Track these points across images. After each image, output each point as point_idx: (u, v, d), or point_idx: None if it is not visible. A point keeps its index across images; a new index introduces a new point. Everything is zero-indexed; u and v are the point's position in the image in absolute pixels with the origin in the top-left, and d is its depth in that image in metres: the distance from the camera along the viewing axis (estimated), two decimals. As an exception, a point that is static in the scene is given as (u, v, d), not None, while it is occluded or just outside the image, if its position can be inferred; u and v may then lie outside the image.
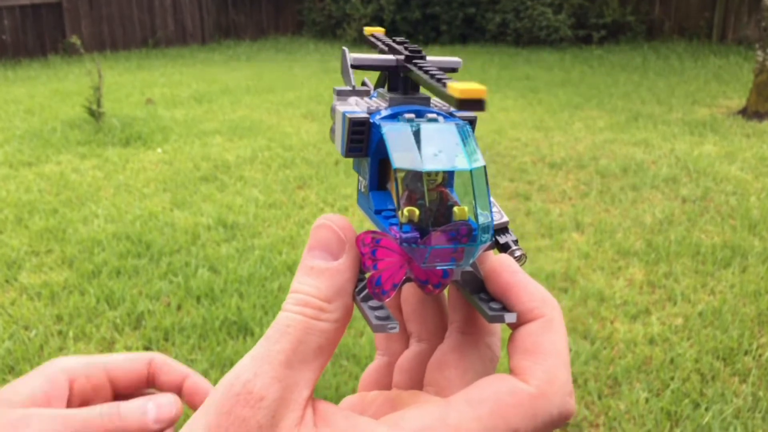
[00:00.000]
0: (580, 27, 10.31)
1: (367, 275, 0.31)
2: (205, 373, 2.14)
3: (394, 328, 0.30)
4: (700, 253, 2.96)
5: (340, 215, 0.32)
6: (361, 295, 0.32)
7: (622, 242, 3.08)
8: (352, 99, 0.39)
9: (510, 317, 0.31)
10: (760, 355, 2.23)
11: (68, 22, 10.17)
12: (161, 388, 0.51)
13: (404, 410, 0.30)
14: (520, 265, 0.33)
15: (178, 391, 0.50)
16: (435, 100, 0.37)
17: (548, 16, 10.16)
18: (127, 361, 0.51)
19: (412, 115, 0.33)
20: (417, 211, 0.29)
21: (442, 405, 0.29)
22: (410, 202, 0.30)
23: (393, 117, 0.33)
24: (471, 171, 0.30)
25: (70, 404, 0.48)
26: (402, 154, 0.30)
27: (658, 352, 2.25)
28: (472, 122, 0.35)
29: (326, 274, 0.31)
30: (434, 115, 0.33)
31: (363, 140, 0.34)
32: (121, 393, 0.51)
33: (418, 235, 0.29)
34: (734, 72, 7.66)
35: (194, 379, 0.51)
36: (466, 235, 0.29)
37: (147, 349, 2.29)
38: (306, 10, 12.38)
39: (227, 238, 3.18)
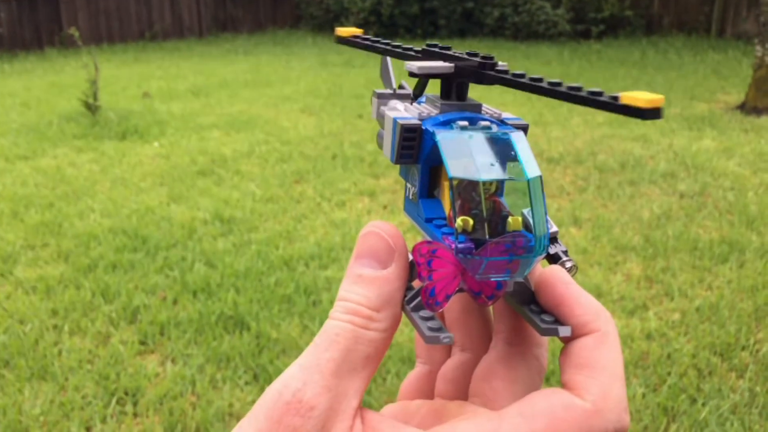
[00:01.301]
0: (578, 21, 10.30)
1: (417, 286, 0.31)
2: (201, 368, 2.13)
3: (448, 339, 0.30)
4: (698, 248, 2.95)
5: (387, 222, 0.32)
6: (412, 304, 0.31)
7: (619, 237, 3.07)
8: (394, 102, 0.38)
9: (564, 331, 0.30)
10: (757, 351, 2.23)
11: (65, 14, 10.13)
12: None
13: (454, 422, 0.29)
14: (571, 276, 0.32)
15: None
16: (486, 108, 0.36)
17: (547, 10, 10.15)
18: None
19: (465, 123, 0.32)
20: (471, 221, 0.29)
21: (494, 418, 0.29)
22: (464, 211, 0.29)
23: (446, 124, 0.33)
24: (528, 181, 0.29)
25: None
26: (458, 163, 0.29)
27: (655, 347, 2.24)
28: (524, 129, 0.34)
29: (375, 283, 0.30)
30: (487, 123, 0.33)
31: (414, 147, 0.33)
32: None
33: (473, 246, 0.29)
34: (733, 67, 7.66)
35: None
36: (523, 247, 0.29)
37: (142, 344, 2.28)
38: (303, 4, 12.35)
39: (224, 233, 3.17)
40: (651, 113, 0.27)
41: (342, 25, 11.35)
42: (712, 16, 9.92)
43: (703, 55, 8.50)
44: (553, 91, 0.31)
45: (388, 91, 0.39)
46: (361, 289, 0.30)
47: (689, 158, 4.19)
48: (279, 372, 2.07)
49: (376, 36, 0.43)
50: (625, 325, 2.37)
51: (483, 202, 0.29)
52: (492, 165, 0.29)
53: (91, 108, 5.29)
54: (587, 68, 7.88)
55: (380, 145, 0.36)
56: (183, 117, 5.50)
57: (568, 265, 0.35)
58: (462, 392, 0.34)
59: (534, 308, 0.32)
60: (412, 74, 0.35)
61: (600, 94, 0.29)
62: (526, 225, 0.30)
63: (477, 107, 0.35)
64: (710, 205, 3.46)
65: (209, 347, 2.23)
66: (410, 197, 0.36)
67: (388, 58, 0.41)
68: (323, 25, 11.97)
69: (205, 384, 2.06)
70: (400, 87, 0.40)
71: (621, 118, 5.30)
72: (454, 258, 0.29)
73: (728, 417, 1.92)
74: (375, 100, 0.39)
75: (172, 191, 3.72)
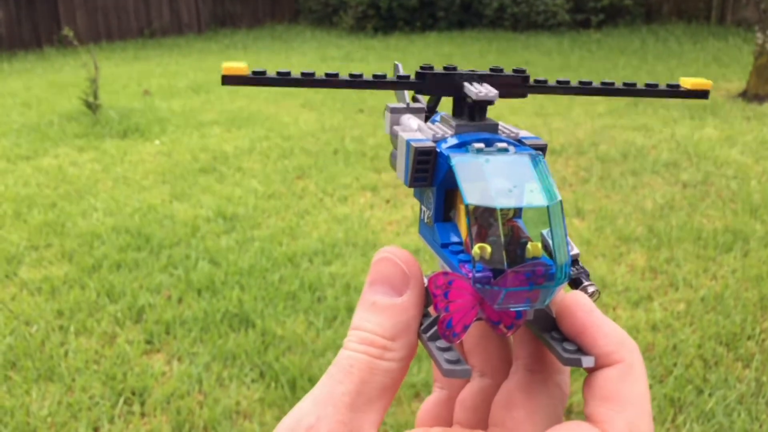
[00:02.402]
0: (578, 11, 10.26)
1: (434, 313, 0.30)
2: (207, 367, 2.13)
3: (467, 374, 0.29)
4: (702, 238, 2.95)
5: (402, 248, 0.31)
6: (428, 333, 0.30)
7: (623, 228, 3.07)
8: (407, 117, 0.37)
9: (588, 361, 0.29)
10: (763, 340, 2.23)
11: (63, 13, 10.12)
12: None
13: None
14: (593, 301, 0.31)
15: None
16: (503, 126, 0.35)
17: (546, 0, 10.11)
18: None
19: (482, 145, 0.31)
20: (489, 248, 0.28)
21: None
22: (481, 237, 0.28)
23: (461, 146, 0.32)
24: (548, 207, 0.28)
25: None
26: (474, 188, 0.28)
27: (661, 338, 2.24)
28: (543, 149, 0.33)
29: (390, 311, 0.29)
30: (504, 144, 0.32)
31: (429, 170, 0.32)
32: None
33: (491, 275, 0.28)
34: (734, 54, 7.63)
35: None
36: (543, 276, 0.28)
37: (148, 343, 2.28)
38: (302, -2, 12.31)
39: (227, 230, 3.17)
40: (697, 93, 0.29)
41: (341, 19, 11.32)
42: (712, 3, 9.89)
43: (704, 42, 8.47)
44: (604, 90, 0.32)
45: (401, 105, 0.37)
46: (376, 318, 0.29)
47: (691, 147, 4.18)
48: (285, 369, 2.07)
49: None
50: (630, 316, 2.37)
51: (500, 229, 0.28)
52: (510, 191, 0.28)
53: (92, 107, 5.29)
54: (587, 58, 7.86)
55: (393, 166, 0.35)
56: (184, 114, 5.49)
57: (591, 290, 0.34)
58: (481, 419, 0.34)
59: (555, 335, 0.31)
60: (475, 103, 0.33)
61: (656, 85, 0.30)
62: (546, 249, 0.29)
63: (493, 127, 0.34)
64: (713, 194, 3.45)
65: (215, 345, 2.23)
66: (425, 220, 0.35)
67: (401, 68, 0.39)
68: (322, 19, 11.94)
69: (212, 382, 2.06)
70: (414, 100, 0.39)
71: (621, 107, 5.30)
72: (472, 288, 0.28)
73: (735, 407, 1.92)
74: (388, 114, 0.37)
75: (175, 189, 3.72)
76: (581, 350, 0.30)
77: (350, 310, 2.43)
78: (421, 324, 0.30)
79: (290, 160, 4.18)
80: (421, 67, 0.36)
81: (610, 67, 7.18)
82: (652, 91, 0.29)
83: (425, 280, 0.31)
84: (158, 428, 1.88)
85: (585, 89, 0.31)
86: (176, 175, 3.96)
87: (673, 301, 2.48)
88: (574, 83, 0.31)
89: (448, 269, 0.31)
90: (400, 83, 0.35)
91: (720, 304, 2.43)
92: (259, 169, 4.05)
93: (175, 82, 6.98)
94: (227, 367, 2.14)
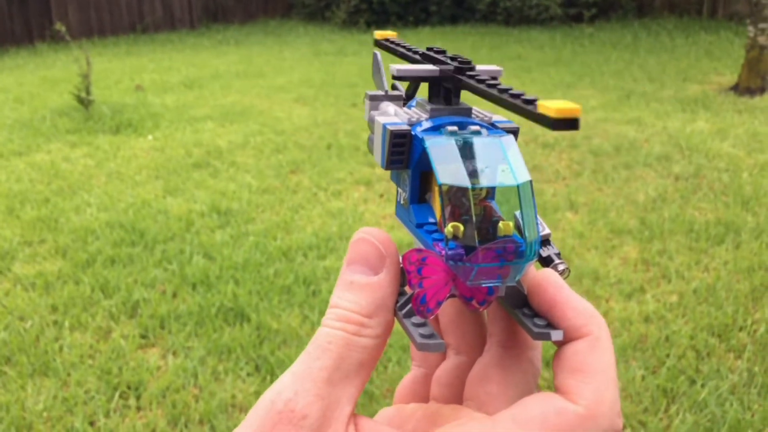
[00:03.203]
0: (570, 5, 10.27)
1: (409, 291, 0.31)
2: (203, 361, 2.14)
3: (440, 347, 0.30)
4: (694, 230, 2.97)
5: (378, 228, 0.32)
6: (404, 311, 0.31)
7: (615, 221, 3.08)
8: (386, 104, 0.38)
9: (556, 335, 0.30)
10: (754, 331, 2.25)
11: (55, 8, 10.07)
12: None
13: (448, 427, 0.29)
14: (563, 278, 0.32)
15: None
16: (476, 111, 0.36)
17: (538, -6, 10.11)
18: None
19: (455, 128, 0.32)
20: (461, 227, 0.29)
21: (487, 423, 0.29)
22: (454, 217, 0.29)
23: (435, 129, 0.33)
24: (518, 186, 0.29)
25: None
26: (447, 169, 0.29)
27: (654, 329, 2.26)
28: (515, 133, 0.34)
29: (366, 289, 0.30)
30: (477, 127, 0.32)
31: (404, 152, 0.33)
32: None
33: (464, 252, 0.29)
34: (725, 48, 7.65)
35: None
36: (513, 253, 0.29)
37: (143, 337, 2.29)
38: (295, -7, 12.28)
39: (221, 225, 3.17)
40: (561, 124, 0.26)
41: (333, 13, 11.30)
42: (704, -3, 9.91)
43: (696, 36, 8.49)
44: (472, 87, 0.32)
45: (380, 92, 0.38)
46: (353, 296, 0.30)
47: (683, 140, 4.20)
48: (280, 363, 2.08)
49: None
50: (623, 308, 2.39)
51: (473, 208, 0.29)
52: (481, 171, 0.29)
53: (84, 102, 5.27)
54: (580, 52, 7.87)
55: (371, 150, 0.36)
56: (177, 109, 5.48)
57: (561, 267, 0.35)
58: (457, 395, 0.34)
59: (527, 312, 0.32)
60: (394, 77, 0.35)
61: (517, 96, 0.29)
62: (518, 228, 0.29)
63: (467, 111, 0.35)
64: (705, 186, 3.47)
65: (210, 339, 2.24)
66: (401, 202, 0.36)
67: (380, 58, 0.40)
68: (315, 13, 11.92)
69: (207, 376, 2.06)
70: (393, 88, 0.40)
71: (614, 101, 5.31)
72: (445, 265, 0.29)
73: (727, 397, 1.94)
74: (367, 101, 0.38)
75: (168, 184, 3.72)
76: (551, 325, 0.31)
77: (345, 303, 2.44)
78: (397, 302, 0.31)
79: (284, 155, 4.19)
80: (427, 48, 0.37)
81: (603, 60, 7.20)
82: (502, 100, 0.30)
83: (401, 259, 0.32)
84: (154, 422, 1.89)
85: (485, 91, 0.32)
86: (170, 170, 3.96)
87: (665, 292, 2.50)
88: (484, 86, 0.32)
89: (422, 246, 0.32)
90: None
91: (712, 296, 2.45)
92: (252, 163, 4.05)
93: (168, 78, 6.96)
94: (222, 361, 2.14)
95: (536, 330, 0.30)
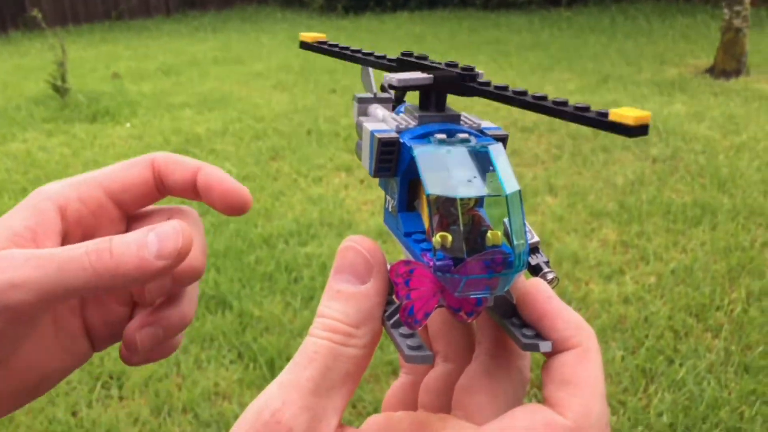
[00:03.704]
0: (548, -11, 10.27)
1: (397, 301, 0.30)
2: (185, 349, 2.14)
3: (428, 359, 0.30)
4: (671, 212, 3.00)
5: (366, 237, 0.32)
6: (392, 321, 0.31)
7: (594, 204, 3.11)
8: (374, 108, 0.37)
9: (545, 346, 0.30)
10: (731, 311, 2.28)
11: (27, -5, 9.90)
12: (172, 192, 0.42)
13: None
14: (552, 288, 0.32)
15: (191, 188, 0.42)
16: (465, 117, 0.36)
17: (516, -22, 10.11)
18: (124, 171, 0.41)
19: (444, 135, 0.32)
20: (450, 237, 0.29)
21: None
22: (442, 226, 0.29)
23: (423, 137, 0.32)
24: (506, 196, 0.29)
25: (68, 238, 0.39)
26: (435, 179, 0.29)
27: (632, 311, 2.29)
28: (503, 140, 0.34)
29: (354, 299, 0.30)
30: (466, 135, 0.32)
31: (392, 160, 0.33)
32: (130, 212, 0.43)
33: (452, 263, 0.28)
34: (701, 31, 7.71)
35: (207, 171, 0.42)
36: (502, 263, 0.29)
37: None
38: (271, -22, 12.17)
39: (202, 213, 3.13)
40: (638, 131, 0.27)
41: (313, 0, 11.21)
42: (680, -20, 9.96)
43: (672, 20, 8.54)
44: (537, 105, 0.31)
45: (369, 95, 0.38)
46: (340, 305, 0.30)
47: (661, 123, 4.23)
48: (263, 350, 2.08)
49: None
50: (602, 290, 2.42)
51: (461, 218, 0.28)
52: (470, 181, 0.29)
53: (60, 90, 5.20)
54: (558, 36, 7.89)
55: (359, 156, 0.36)
56: (154, 97, 5.43)
57: (550, 276, 0.35)
58: (445, 403, 0.34)
59: (515, 321, 0.31)
60: (391, 87, 0.35)
61: (586, 109, 0.29)
62: (507, 237, 0.29)
63: (455, 118, 0.35)
64: (682, 168, 3.51)
65: (192, 327, 2.23)
66: (389, 209, 0.35)
67: (371, 73, 0.40)
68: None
69: (190, 364, 2.06)
70: (382, 89, 0.39)
71: (592, 84, 5.34)
72: (433, 276, 0.29)
73: (705, 376, 1.97)
74: (356, 104, 0.38)
75: (147, 173, 3.68)
76: (540, 335, 0.31)
77: (327, 289, 2.44)
78: (385, 311, 0.31)
79: (264, 142, 4.17)
80: (402, 54, 0.36)
81: (580, 44, 7.22)
82: (579, 116, 0.30)
83: (388, 267, 0.32)
84: (137, 411, 1.89)
85: (517, 100, 0.32)
86: (148, 159, 3.92)
87: (644, 274, 2.53)
88: (509, 92, 0.32)
89: (411, 258, 0.32)
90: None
91: (689, 277, 2.48)
92: (232, 151, 4.03)
93: (145, 65, 6.88)
94: (205, 349, 2.14)
95: (525, 341, 0.30)
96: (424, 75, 0.35)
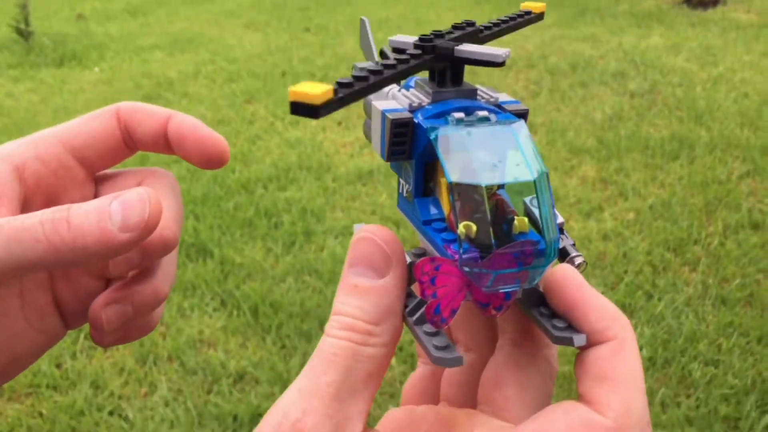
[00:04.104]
0: None
1: (416, 290, 0.29)
2: (168, 298, 2.13)
3: (458, 361, 0.28)
4: (649, 147, 3.01)
5: (381, 226, 0.29)
6: (414, 317, 0.29)
7: (573, 141, 3.10)
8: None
9: (579, 340, 0.28)
10: (708, 244, 2.31)
11: (-17, -67, 9.49)
12: (142, 145, 0.38)
13: None
14: (581, 272, 0.30)
15: (162, 140, 0.38)
16: (481, 91, 0.33)
17: None
18: (85, 124, 0.37)
19: (461, 114, 0.29)
20: (474, 227, 0.26)
21: None
22: (465, 214, 0.26)
23: (439, 116, 0.30)
24: (534, 181, 0.27)
25: (29, 205, 0.35)
26: (456, 165, 0.27)
27: (612, 247, 2.31)
28: (523, 115, 0.32)
29: (372, 294, 0.28)
30: (485, 113, 0.30)
31: (406, 142, 0.30)
32: (97, 171, 0.39)
33: (478, 255, 0.26)
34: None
35: (178, 120, 0.38)
36: (532, 255, 0.27)
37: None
38: None
39: (176, 159, 3.09)
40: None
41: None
42: None
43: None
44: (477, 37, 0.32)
45: (372, 65, 0.36)
46: (357, 301, 0.28)
47: (638, 56, 4.20)
48: (246, 297, 2.08)
49: None
50: (582, 227, 2.43)
51: (486, 205, 0.26)
52: (494, 165, 0.27)
53: (24, 34, 5.04)
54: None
55: (367, 137, 0.33)
56: (122, 39, 5.28)
57: (578, 261, 0.32)
58: (468, 395, 0.33)
59: (544, 311, 0.30)
60: (395, 50, 0.32)
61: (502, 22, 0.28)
62: (531, 221, 0.27)
63: (472, 93, 0.32)
64: (660, 102, 3.50)
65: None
66: (404, 194, 0.33)
67: (367, 23, 0.37)
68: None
69: (173, 313, 2.06)
70: (382, 55, 0.37)
71: (569, 17, 5.27)
72: (459, 271, 0.27)
73: (683, 309, 2.01)
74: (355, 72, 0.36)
75: (119, 118, 3.61)
76: (571, 327, 0.29)
77: (308, 234, 2.43)
78: (405, 306, 0.29)
79: (237, 84, 4.09)
80: (421, 38, 0.33)
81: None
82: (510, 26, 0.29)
83: (407, 257, 0.30)
84: (122, 361, 1.89)
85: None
86: (119, 104, 3.83)
87: (623, 210, 2.55)
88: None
89: (429, 245, 0.30)
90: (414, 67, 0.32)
91: (667, 212, 2.50)
92: (205, 94, 3.95)
93: (110, 5, 6.67)
94: (188, 298, 2.14)
95: (557, 333, 0.29)
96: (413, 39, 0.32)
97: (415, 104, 0.31)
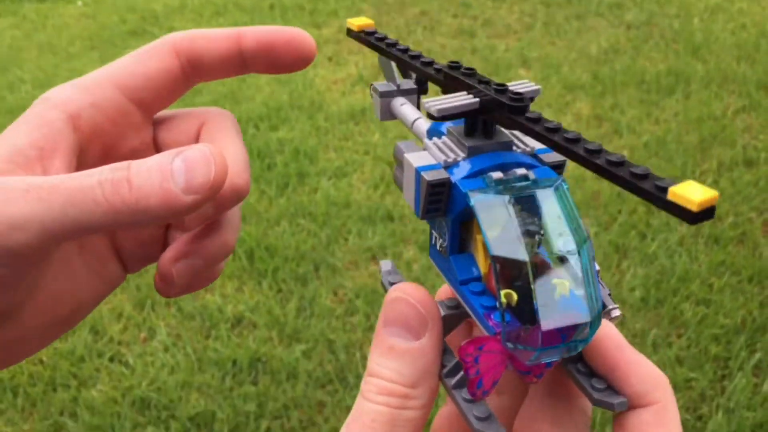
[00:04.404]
0: None
1: (451, 348, 0.28)
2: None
3: None
4: (645, 81, 2.97)
5: (415, 285, 0.28)
6: (453, 381, 0.28)
7: (568, 76, 3.06)
8: (399, 103, 0.33)
9: (621, 405, 0.28)
10: (702, 182, 2.31)
11: None
12: (209, 74, 0.37)
13: None
14: (615, 324, 0.30)
15: (235, 60, 0.36)
16: (516, 140, 0.31)
17: None
18: (141, 64, 0.35)
19: (500, 174, 0.28)
20: (515, 296, 0.26)
21: None
22: (506, 281, 0.26)
23: (477, 175, 0.29)
24: (579, 253, 0.26)
25: (85, 155, 0.33)
26: (499, 237, 0.26)
27: (606, 186, 2.31)
28: (560, 166, 0.31)
29: (408, 356, 0.27)
30: (524, 171, 0.29)
31: (442, 200, 0.29)
32: (153, 113, 0.37)
33: (520, 324, 0.26)
34: None
35: (254, 32, 0.36)
36: (575, 329, 0.26)
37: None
38: None
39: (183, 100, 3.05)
40: (703, 216, 0.22)
41: None
42: None
43: None
44: (588, 162, 0.27)
45: (391, 86, 0.34)
46: (394, 363, 0.27)
47: (635, -14, 4.11)
48: (241, 241, 2.08)
49: None
50: (576, 166, 2.41)
51: (530, 274, 0.25)
52: (538, 237, 0.26)
53: (2, -34, 4.87)
54: None
55: (399, 187, 0.32)
56: (104, -30, 5.12)
57: (615, 314, 0.32)
58: None
59: (582, 369, 0.29)
60: (432, 117, 0.30)
61: (645, 177, 0.24)
62: (570, 276, 0.26)
63: (507, 145, 0.31)
64: (656, 35, 3.45)
65: (167, 220, 2.22)
66: (438, 249, 0.32)
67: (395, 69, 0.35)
68: None
69: (169, 258, 2.06)
70: (403, 75, 0.35)
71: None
72: (502, 347, 0.27)
73: (676, 249, 2.02)
74: (377, 98, 0.34)
75: (104, 55, 3.53)
76: (611, 388, 0.28)
77: (301, 176, 2.42)
78: (443, 365, 0.29)
79: (225, 18, 3.99)
80: (450, 63, 0.31)
81: None
82: (633, 185, 0.25)
83: (441, 310, 0.29)
84: (120, 306, 1.90)
85: (565, 149, 0.28)
86: (104, 40, 3.75)
87: (617, 147, 2.53)
88: (559, 137, 0.28)
89: (464, 304, 0.30)
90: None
91: (662, 149, 2.49)
92: (192, 28, 3.85)
93: (91, -67, 6.44)
94: (182, 242, 2.13)
95: (596, 396, 0.28)
96: (468, 101, 0.30)
97: (450, 160, 0.30)
